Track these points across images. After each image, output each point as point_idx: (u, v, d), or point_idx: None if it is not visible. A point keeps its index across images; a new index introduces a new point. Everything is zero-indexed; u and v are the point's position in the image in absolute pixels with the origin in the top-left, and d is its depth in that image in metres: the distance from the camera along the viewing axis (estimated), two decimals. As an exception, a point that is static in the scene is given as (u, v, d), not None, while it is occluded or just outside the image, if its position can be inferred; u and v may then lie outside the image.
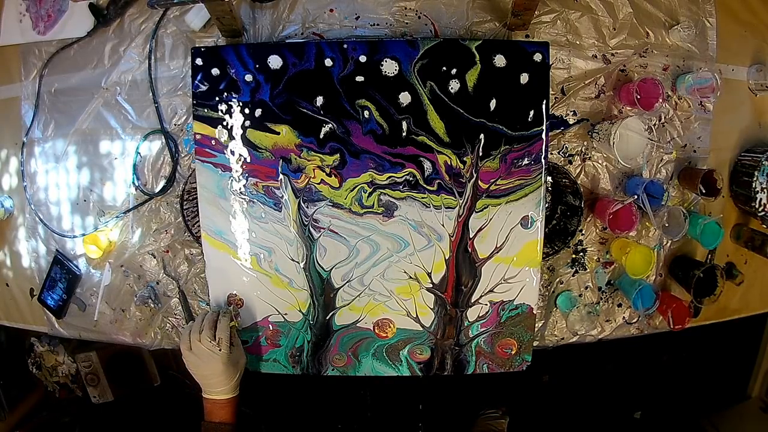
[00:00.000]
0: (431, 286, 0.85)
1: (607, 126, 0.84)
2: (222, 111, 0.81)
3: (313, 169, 0.82)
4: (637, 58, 0.89)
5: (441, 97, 0.79)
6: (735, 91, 0.94)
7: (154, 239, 0.94)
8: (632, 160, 0.85)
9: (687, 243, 0.95)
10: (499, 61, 0.79)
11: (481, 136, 0.80)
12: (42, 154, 0.97)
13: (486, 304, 0.85)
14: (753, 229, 0.96)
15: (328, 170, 0.82)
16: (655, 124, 0.89)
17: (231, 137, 0.82)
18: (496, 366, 0.88)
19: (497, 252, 0.83)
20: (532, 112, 0.80)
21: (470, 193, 0.82)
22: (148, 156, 0.93)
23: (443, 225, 0.82)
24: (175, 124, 0.91)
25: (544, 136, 0.80)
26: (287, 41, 0.87)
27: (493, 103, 0.80)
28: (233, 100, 0.81)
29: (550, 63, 0.83)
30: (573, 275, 0.93)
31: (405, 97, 0.80)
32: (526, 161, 0.81)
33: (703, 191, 0.87)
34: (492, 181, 0.81)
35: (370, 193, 0.82)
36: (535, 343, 0.90)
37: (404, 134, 0.80)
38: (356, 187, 0.82)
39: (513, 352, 0.87)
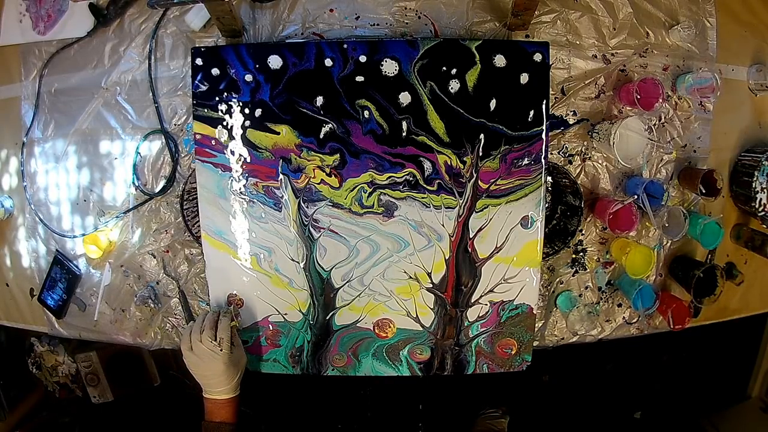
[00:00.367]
0: (431, 286, 0.85)
1: (607, 126, 0.84)
2: (222, 111, 0.81)
3: (313, 169, 0.82)
4: (637, 58, 0.89)
5: (441, 97, 0.79)
6: (735, 91, 0.94)
7: (154, 239, 0.94)
8: (632, 160, 0.85)
9: (687, 243, 0.95)
10: (499, 61, 0.79)
11: (481, 136, 0.80)
12: (42, 154, 0.97)
13: (486, 304, 0.85)
14: (753, 229, 0.96)
15: (328, 170, 0.82)
16: (655, 124, 0.89)
17: (231, 137, 0.82)
18: (496, 366, 0.88)
19: (497, 252, 0.83)
20: (532, 112, 0.80)
21: (470, 193, 0.82)
22: (148, 156, 0.93)
23: (443, 225, 0.82)
24: (175, 124, 0.91)
25: (544, 136, 0.81)
26: (287, 41, 0.87)
27: (493, 103, 0.80)
28: (233, 100, 0.81)
29: (550, 63, 0.83)
30: (573, 275, 0.93)
31: (405, 97, 0.80)
32: (526, 161, 0.81)
33: (703, 191, 0.87)
34: (492, 181, 0.81)
35: (370, 193, 0.82)
36: (535, 343, 0.90)
37: (404, 134, 0.80)
38: (356, 187, 0.82)
39: (513, 352, 0.87)
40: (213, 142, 0.82)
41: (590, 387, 1.58)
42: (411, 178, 0.81)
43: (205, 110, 0.82)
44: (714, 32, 0.91)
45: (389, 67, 0.79)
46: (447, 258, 0.84)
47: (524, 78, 0.80)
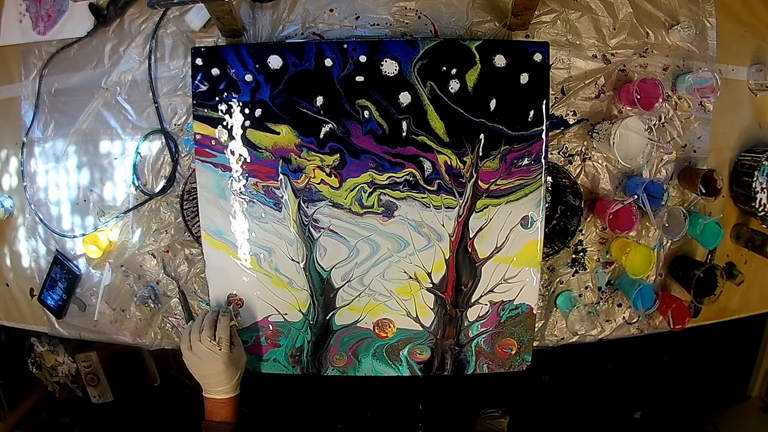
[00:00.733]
0: (431, 286, 0.85)
1: (607, 126, 0.84)
2: (222, 111, 0.81)
3: (313, 169, 0.82)
4: (637, 58, 0.89)
5: (441, 97, 0.79)
6: (735, 91, 0.94)
7: (154, 239, 0.94)
8: (632, 160, 0.85)
9: (687, 243, 0.95)
10: (499, 61, 0.79)
11: (481, 136, 0.80)
12: (42, 154, 0.97)
13: (486, 304, 0.85)
14: (753, 229, 0.96)
15: (328, 170, 0.82)
16: (655, 124, 0.89)
17: (231, 137, 0.82)
18: (496, 366, 0.88)
19: (497, 252, 0.83)
20: (532, 112, 0.80)
21: (470, 193, 0.82)
22: (148, 156, 0.93)
23: (443, 225, 0.82)
24: (175, 124, 0.91)
25: (544, 136, 0.80)
26: (287, 41, 0.87)
27: (493, 103, 0.80)
28: (233, 100, 0.81)
29: (550, 63, 0.83)
30: (573, 275, 0.93)
31: (405, 97, 0.80)
32: (526, 161, 0.81)
33: (703, 191, 0.87)
34: (492, 181, 0.81)
35: (370, 193, 0.82)
36: (535, 343, 0.90)
37: (404, 134, 0.80)
38: (356, 187, 0.82)
39: (513, 352, 0.87)
40: (213, 142, 0.82)
41: (590, 387, 1.58)
42: (411, 178, 0.81)
43: (205, 110, 0.82)
44: (714, 32, 0.91)
45: (389, 67, 0.79)
46: (447, 258, 0.84)
47: (524, 78, 0.80)
